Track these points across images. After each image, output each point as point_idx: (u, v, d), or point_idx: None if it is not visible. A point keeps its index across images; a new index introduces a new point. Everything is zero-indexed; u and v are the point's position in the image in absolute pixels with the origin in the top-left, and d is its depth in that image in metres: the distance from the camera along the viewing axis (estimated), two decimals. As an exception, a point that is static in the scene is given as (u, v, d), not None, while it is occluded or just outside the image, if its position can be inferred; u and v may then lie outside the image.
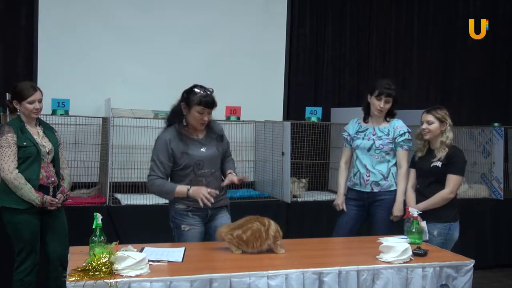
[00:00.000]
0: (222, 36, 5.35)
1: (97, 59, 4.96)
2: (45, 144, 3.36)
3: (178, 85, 5.09)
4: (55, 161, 3.43)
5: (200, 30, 5.27)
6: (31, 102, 3.28)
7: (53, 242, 3.43)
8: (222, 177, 3.26)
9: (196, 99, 3.06)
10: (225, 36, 5.36)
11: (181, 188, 3.07)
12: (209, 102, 3.07)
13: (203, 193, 3.00)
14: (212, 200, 3.01)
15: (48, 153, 3.36)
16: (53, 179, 3.38)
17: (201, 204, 3.01)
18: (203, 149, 3.14)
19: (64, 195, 3.45)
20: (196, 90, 3.09)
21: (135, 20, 5.09)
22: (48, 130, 3.47)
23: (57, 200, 3.37)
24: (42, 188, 3.31)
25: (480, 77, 6.45)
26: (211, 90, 3.12)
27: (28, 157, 3.27)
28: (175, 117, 3.17)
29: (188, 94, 3.12)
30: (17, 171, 3.23)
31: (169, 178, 3.20)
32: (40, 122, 3.47)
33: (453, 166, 3.43)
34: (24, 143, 3.26)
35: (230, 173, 3.24)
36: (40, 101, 3.33)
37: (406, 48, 6.19)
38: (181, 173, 3.14)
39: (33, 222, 3.31)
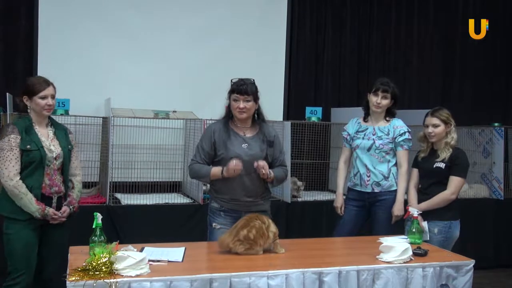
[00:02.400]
0: (222, 36, 5.36)
1: (97, 59, 4.96)
2: (53, 148, 3.02)
3: (178, 85, 5.21)
4: (64, 167, 3.08)
5: (200, 30, 5.28)
6: (43, 97, 2.98)
7: (47, 260, 3.06)
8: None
9: (231, 87, 3.13)
10: (225, 36, 5.37)
11: (216, 170, 3.08)
12: (241, 90, 3.06)
13: (230, 167, 2.99)
14: (240, 166, 2.98)
15: (55, 159, 3.01)
16: (57, 188, 3.03)
17: (233, 172, 2.98)
18: (244, 146, 3.12)
19: (71, 207, 3.07)
20: (234, 79, 3.15)
21: (136, 20, 5.09)
22: (60, 132, 3.13)
23: (60, 214, 3.01)
24: (43, 199, 2.97)
25: (480, 77, 6.45)
26: (250, 80, 3.14)
27: (31, 162, 2.94)
28: (228, 110, 3.22)
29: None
30: (18, 177, 2.90)
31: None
32: (52, 123, 3.14)
33: (456, 168, 3.43)
34: (28, 146, 2.92)
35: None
36: (53, 97, 3.03)
37: (406, 48, 6.19)
38: (218, 165, 3.12)
39: (29, 236, 2.95)
